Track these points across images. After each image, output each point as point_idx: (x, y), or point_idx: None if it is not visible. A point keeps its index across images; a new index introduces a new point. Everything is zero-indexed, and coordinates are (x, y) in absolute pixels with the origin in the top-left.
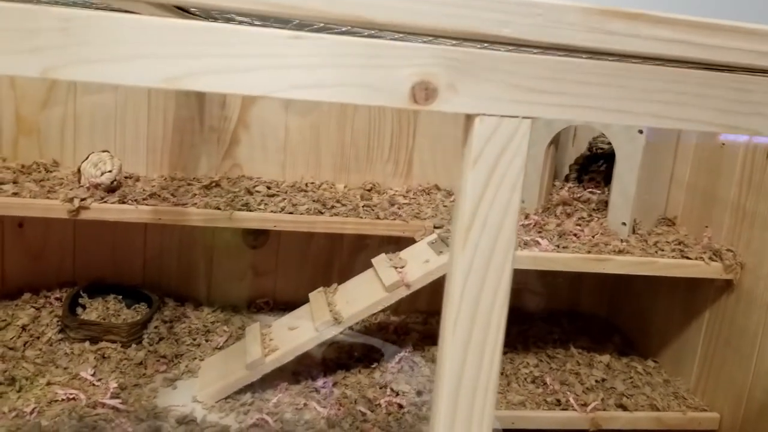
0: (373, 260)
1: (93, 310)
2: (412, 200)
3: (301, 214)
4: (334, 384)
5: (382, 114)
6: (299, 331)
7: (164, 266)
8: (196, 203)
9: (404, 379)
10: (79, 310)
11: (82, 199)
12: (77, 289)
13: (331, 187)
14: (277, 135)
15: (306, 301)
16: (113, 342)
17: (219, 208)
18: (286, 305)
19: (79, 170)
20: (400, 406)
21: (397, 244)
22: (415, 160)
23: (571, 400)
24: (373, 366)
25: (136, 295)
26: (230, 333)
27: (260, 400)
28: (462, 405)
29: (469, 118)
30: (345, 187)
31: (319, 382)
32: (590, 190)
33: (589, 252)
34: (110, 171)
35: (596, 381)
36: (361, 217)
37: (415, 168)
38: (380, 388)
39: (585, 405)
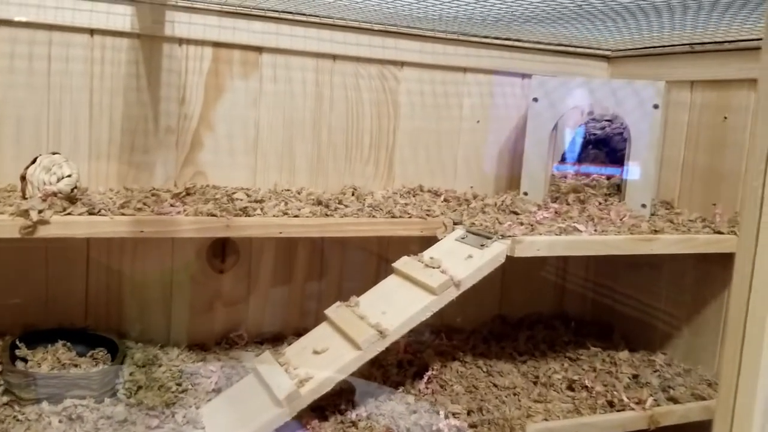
0: (396, 264)
1: (40, 363)
2: (408, 201)
3: (307, 216)
4: (369, 416)
5: (361, 109)
6: (333, 353)
7: (111, 302)
8: (181, 212)
9: (446, 399)
10: (20, 364)
11: (40, 211)
12: (12, 339)
13: (309, 194)
14: (247, 135)
15: (289, 329)
16: (81, 398)
17: (214, 215)
18: (262, 337)
19: (23, 178)
20: (459, 429)
21: (390, 246)
22: (396, 160)
23: (626, 399)
24: (400, 390)
25: (87, 340)
26: (218, 373)
27: None
28: None
29: None
30: (324, 192)
31: (352, 415)
32: (595, 176)
33: (632, 234)
34: (69, 176)
35: (629, 378)
36: (374, 217)
37: (396, 168)
38: (426, 412)
39: (639, 402)
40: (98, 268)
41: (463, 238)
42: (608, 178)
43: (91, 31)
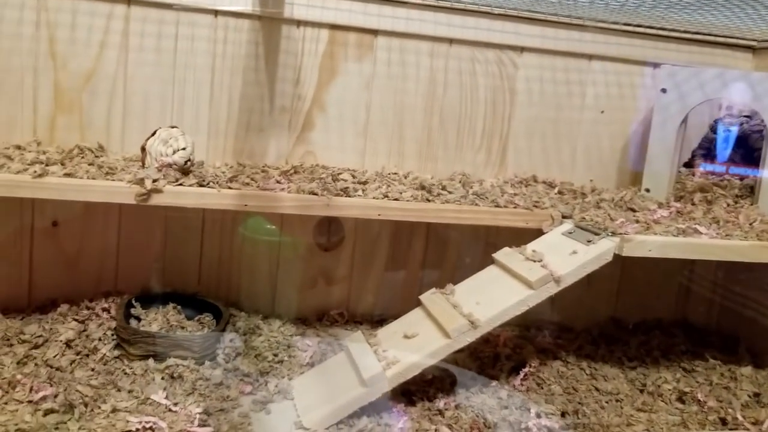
0: (496, 255)
1: (151, 322)
2: (517, 191)
3: (408, 201)
4: (457, 406)
5: (475, 95)
6: (422, 340)
7: (223, 272)
8: (284, 188)
9: (540, 398)
10: (134, 322)
11: (154, 180)
12: (129, 298)
13: (415, 179)
14: (357, 117)
15: (390, 312)
16: (184, 359)
17: (315, 193)
18: (363, 317)
19: (143, 149)
20: (550, 430)
21: (500, 236)
22: (509, 148)
23: (740, 418)
24: (493, 384)
25: (197, 305)
26: (315, 348)
27: (380, 426)
28: None
29: None
30: (432, 177)
31: (440, 403)
32: (726, 176)
33: (759, 240)
34: (184, 149)
35: (749, 396)
36: (477, 205)
37: (510, 157)
38: (516, 409)
39: (756, 423)
40: (212, 239)
41: (570, 233)
42: (741, 178)
43: (216, 12)
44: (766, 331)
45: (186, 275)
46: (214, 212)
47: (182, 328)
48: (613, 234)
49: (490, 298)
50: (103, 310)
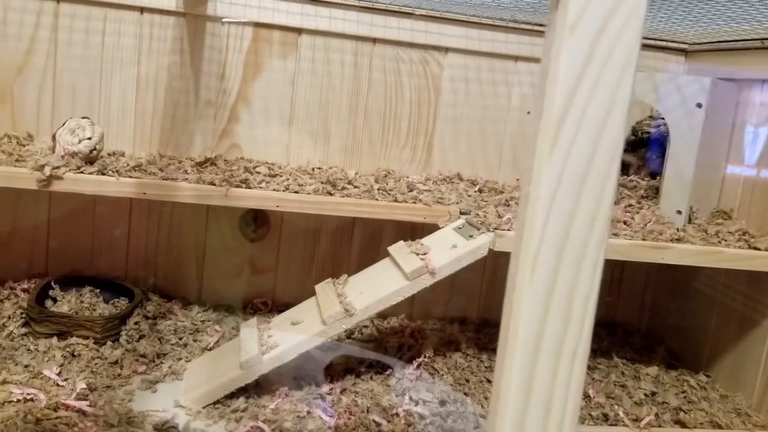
0: (390, 248)
1: (65, 303)
2: (432, 188)
3: (308, 194)
4: (343, 391)
5: (400, 93)
6: (304, 326)
7: (150, 258)
8: (187, 178)
9: (424, 386)
10: (49, 303)
11: (55, 168)
12: (48, 280)
13: (340, 172)
14: (282, 113)
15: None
16: (86, 338)
17: (214, 184)
18: (287, 306)
19: (54, 138)
20: (422, 416)
21: (416, 232)
22: (435, 146)
23: (621, 414)
24: (387, 372)
25: (116, 289)
26: (222, 333)
27: (256, 406)
28: (541, 376)
29: None
30: (356, 173)
31: (325, 388)
32: (636, 177)
33: (644, 239)
34: (89, 138)
35: (645, 394)
36: (377, 200)
37: (435, 155)
38: (397, 396)
39: (637, 420)
40: (138, 228)
41: (460, 228)
42: (650, 179)
43: (141, 9)
44: (689, 334)
45: (114, 262)
46: (140, 202)
47: (94, 310)
48: (494, 230)
49: (373, 288)
50: (23, 290)
